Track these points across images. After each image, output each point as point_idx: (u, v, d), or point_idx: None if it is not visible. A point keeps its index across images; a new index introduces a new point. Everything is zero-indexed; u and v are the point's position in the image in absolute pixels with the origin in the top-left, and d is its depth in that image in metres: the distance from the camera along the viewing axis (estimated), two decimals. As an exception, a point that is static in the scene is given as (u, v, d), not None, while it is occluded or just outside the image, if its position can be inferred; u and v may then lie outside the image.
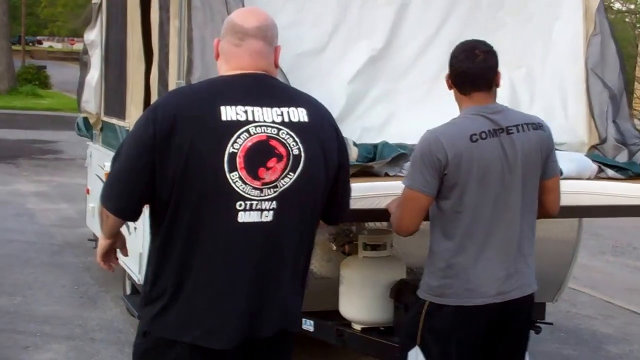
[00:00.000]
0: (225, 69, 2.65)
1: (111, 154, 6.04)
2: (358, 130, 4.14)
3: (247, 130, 2.46)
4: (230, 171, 2.44)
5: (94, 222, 6.81)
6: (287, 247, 2.58)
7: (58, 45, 78.09)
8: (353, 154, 3.82)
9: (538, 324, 5.21)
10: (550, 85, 4.73)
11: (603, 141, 4.51)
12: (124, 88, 5.84)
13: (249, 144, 2.45)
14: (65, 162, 14.98)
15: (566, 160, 3.94)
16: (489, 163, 3.05)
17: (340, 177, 2.70)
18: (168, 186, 2.46)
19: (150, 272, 2.60)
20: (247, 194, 2.46)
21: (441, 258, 3.14)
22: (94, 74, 6.70)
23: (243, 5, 4.08)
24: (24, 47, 49.15)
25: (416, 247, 4.43)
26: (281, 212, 2.51)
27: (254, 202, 2.47)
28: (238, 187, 2.45)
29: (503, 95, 4.52)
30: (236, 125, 2.46)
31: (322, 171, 2.59)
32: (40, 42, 76.69)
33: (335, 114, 4.14)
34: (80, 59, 7.40)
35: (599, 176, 4.15)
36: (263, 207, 2.49)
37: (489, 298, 3.13)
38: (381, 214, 3.51)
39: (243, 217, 2.46)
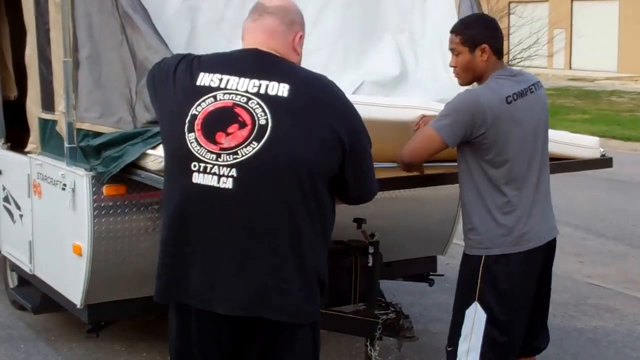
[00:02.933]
0: (241, 46, 2.69)
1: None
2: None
3: (214, 96, 2.53)
4: (189, 132, 2.52)
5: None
6: (260, 222, 2.49)
7: None
8: None
9: (431, 277, 5.48)
10: (431, 46, 4.90)
11: None
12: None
13: (212, 108, 2.52)
14: None
15: None
16: (524, 120, 3.36)
17: (347, 157, 2.59)
18: (161, 144, 2.79)
19: None
20: (202, 156, 2.49)
21: (492, 213, 3.37)
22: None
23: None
24: None
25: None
26: (245, 182, 2.47)
27: (209, 166, 2.48)
28: (193, 148, 2.51)
29: (391, 60, 4.68)
30: (206, 90, 2.55)
31: (302, 147, 2.50)
32: None
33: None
34: None
35: None
36: (220, 173, 2.47)
37: (538, 240, 3.44)
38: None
39: (197, 178, 2.50)
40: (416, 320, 4.63)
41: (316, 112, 2.54)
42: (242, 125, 2.48)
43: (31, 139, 4.81)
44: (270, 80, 2.54)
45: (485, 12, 5.15)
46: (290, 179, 2.50)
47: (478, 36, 3.42)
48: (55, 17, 4.21)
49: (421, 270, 5.46)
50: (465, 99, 3.35)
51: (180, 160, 2.54)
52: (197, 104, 2.54)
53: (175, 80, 2.64)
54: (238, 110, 2.50)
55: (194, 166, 2.50)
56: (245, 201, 2.48)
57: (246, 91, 2.52)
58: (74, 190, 4.15)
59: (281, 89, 2.52)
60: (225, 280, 2.51)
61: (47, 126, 4.55)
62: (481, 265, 3.39)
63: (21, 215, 4.99)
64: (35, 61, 4.64)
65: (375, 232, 4.45)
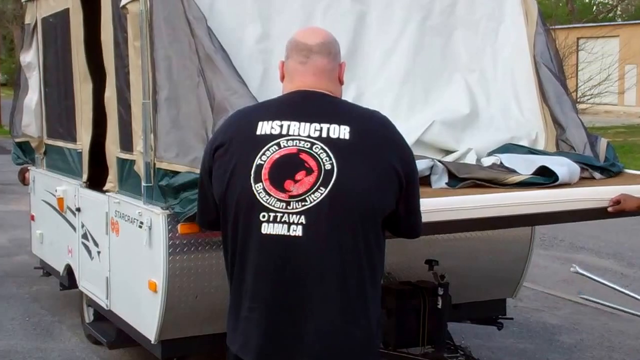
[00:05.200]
0: (288, 88, 2.70)
1: (58, 177, 6.04)
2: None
3: (278, 144, 2.52)
4: (256, 182, 2.49)
5: (42, 248, 6.63)
6: (331, 268, 2.48)
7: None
8: None
9: (500, 320, 5.42)
10: (502, 85, 4.93)
11: (564, 130, 4.68)
12: (72, 110, 5.71)
13: (277, 156, 2.50)
14: (-18, 188, 14.47)
15: (557, 165, 4.06)
16: None
17: (403, 192, 2.59)
18: (218, 199, 2.61)
19: None
20: (271, 205, 2.47)
21: None
22: (33, 97, 6.51)
23: (207, 24, 4.11)
24: None
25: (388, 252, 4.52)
26: (313, 228, 2.45)
27: (279, 215, 2.47)
28: (262, 198, 2.48)
29: (461, 99, 4.72)
30: (268, 138, 2.53)
31: (367, 189, 2.50)
32: None
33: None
34: (15, 82, 7.19)
35: (582, 177, 4.26)
36: (290, 221, 2.46)
37: None
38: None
39: (267, 229, 2.48)
40: (483, 365, 4.58)
41: (377, 151, 2.55)
42: (309, 171, 2.48)
43: (109, 177, 4.97)
44: (331, 122, 2.54)
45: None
46: (356, 221, 2.50)
47: None
48: (135, 60, 4.36)
49: (490, 313, 5.41)
50: None
51: (247, 211, 2.51)
52: (261, 153, 2.52)
53: (226, 145, 2.59)
54: (303, 156, 2.50)
55: (263, 216, 2.48)
56: (315, 247, 2.47)
57: (308, 136, 2.52)
58: (150, 228, 4.26)
59: (342, 131, 2.53)
60: (302, 328, 2.49)
61: (125, 166, 4.70)
62: None
63: (99, 252, 5.14)
64: (114, 103, 4.81)
65: (445, 273, 4.45)
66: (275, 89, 4.16)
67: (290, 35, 4.27)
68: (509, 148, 4.52)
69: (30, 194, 6.91)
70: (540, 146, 4.72)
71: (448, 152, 4.52)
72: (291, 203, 2.46)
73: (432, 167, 4.02)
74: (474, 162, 4.37)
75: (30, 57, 6.54)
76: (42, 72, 6.43)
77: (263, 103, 2.88)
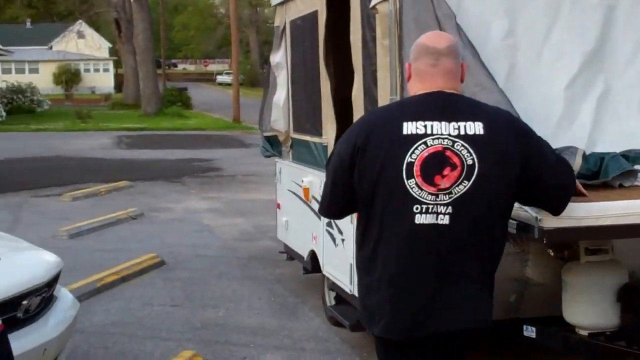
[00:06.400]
0: (418, 88, 2.98)
1: (304, 169, 6.44)
2: (583, 137, 4.17)
3: (425, 142, 2.82)
4: (408, 178, 2.81)
5: (287, 234, 7.10)
6: (470, 249, 2.85)
7: (191, 67, 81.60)
8: (575, 166, 3.83)
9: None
10: None
11: None
12: (318, 106, 6.07)
13: (426, 154, 2.81)
14: (227, 179, 15.59)
15: None
16: None
17: (529, 176, 2.87)
18: (364, 193, 2.89)
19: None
20: (423, 198, 2.80)
21: None
22: (281, 94, 6.97)
23: (456, 21, 4.22)
24: (164, 70, 51.65)
25: (636, 250, 4.43)
26: (458, 216, 2.80)
27: (430, 206, 2.81)
28: (415, 193, 2.81)
29: None
30: (415, 138, 2.83)
31: (499, 178, 2.82)
32: (175, 65, 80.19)
33: (553, 120, 4.28)
34: (264, 81, 7.71)
35: None
36: (439, 211, 2.81)
37: None
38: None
39: (420, 219, 2.81)
40: None
41: (505, 142, 2.84)
42: (454, 167, 2.80)
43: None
44: (466, 120, 2.83)
45: None
46: (493, 208, 2.86)
47: None
48: (383, 58, 4.57)
49: None
50: None
51: (399, 205, 2.83)
52: (410, 151, 2.81)
53: (370, 144, 2.87)
54: (448, 153, 2.80)
55: (416, 209, 2.81)
56: (460, 233, 2.82)
57: (449, 134, 2.81)
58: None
59: (477, 128, 2.83)
60: (451, 301, 2.85)
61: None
62: None
63: (343, 240, 5.43)
64: (361, 100, 5.06)
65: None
66: (521, 85, 4.26)
67: (531, 34, 4.29)
68: None
69: (277, 184, 7.39)
70: None
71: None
72: (439, 195, 2.80)
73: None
74: None
75: (279, 58, 7.01)
76: (290, 71, 6.88)
77: (398, 104, 3.18)
